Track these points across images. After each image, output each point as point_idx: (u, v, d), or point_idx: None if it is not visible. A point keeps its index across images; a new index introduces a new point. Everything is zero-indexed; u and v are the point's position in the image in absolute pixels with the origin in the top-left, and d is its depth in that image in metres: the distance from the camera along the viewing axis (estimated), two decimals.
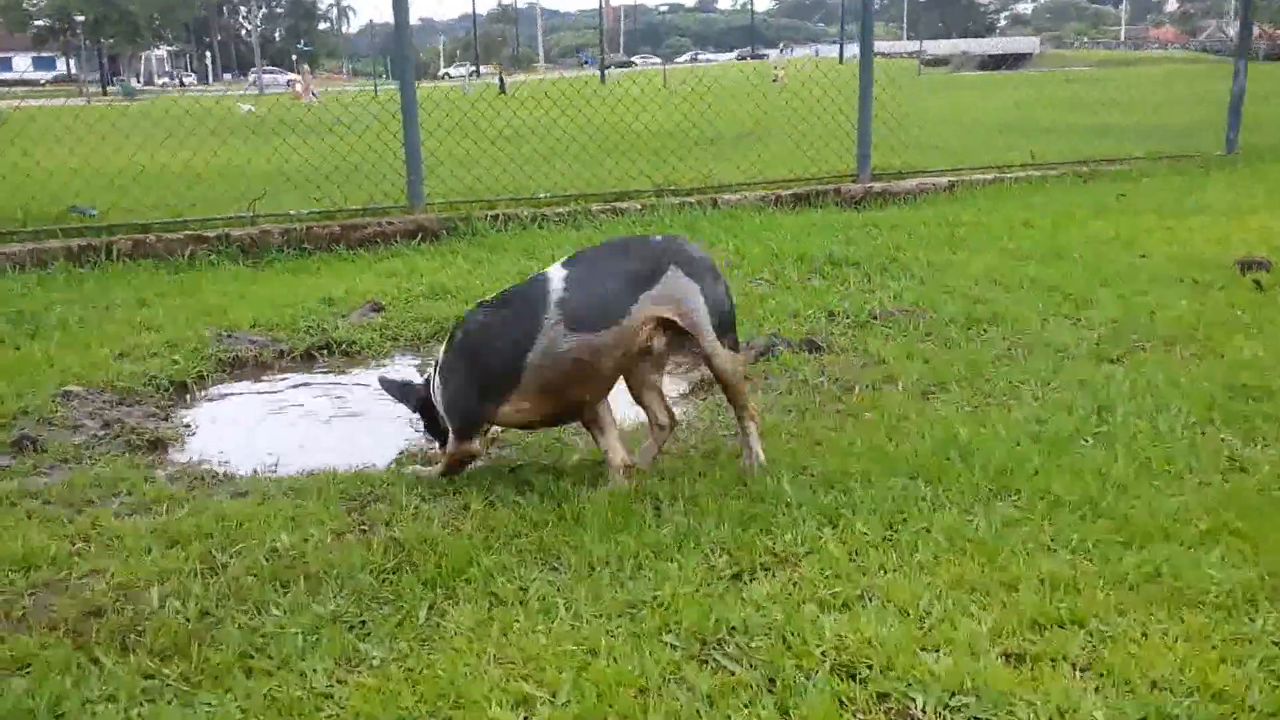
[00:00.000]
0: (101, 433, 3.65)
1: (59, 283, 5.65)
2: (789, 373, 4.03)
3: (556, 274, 2.82)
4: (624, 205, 7.91)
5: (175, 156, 8.23)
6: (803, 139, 9.12)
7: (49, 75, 55.07)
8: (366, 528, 2.75)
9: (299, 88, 29.75)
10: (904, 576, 2.36)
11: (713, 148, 10.74)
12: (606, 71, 39.77)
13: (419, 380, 3.18)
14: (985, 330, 4.47)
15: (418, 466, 3.20)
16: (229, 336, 4.81)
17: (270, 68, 58.90)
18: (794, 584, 2.36)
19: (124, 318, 5.03)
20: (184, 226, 6.56)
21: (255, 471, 3.27)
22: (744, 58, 59.57)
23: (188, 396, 4.18)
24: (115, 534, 2.69)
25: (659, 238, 3.01)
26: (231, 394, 4.27)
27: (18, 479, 3.11)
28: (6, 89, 29.64)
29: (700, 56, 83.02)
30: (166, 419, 3.87)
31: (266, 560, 2.53)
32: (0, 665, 2.07)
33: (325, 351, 4.77)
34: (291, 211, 7.04)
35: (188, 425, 3.85)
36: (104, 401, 3.96)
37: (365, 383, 4.38)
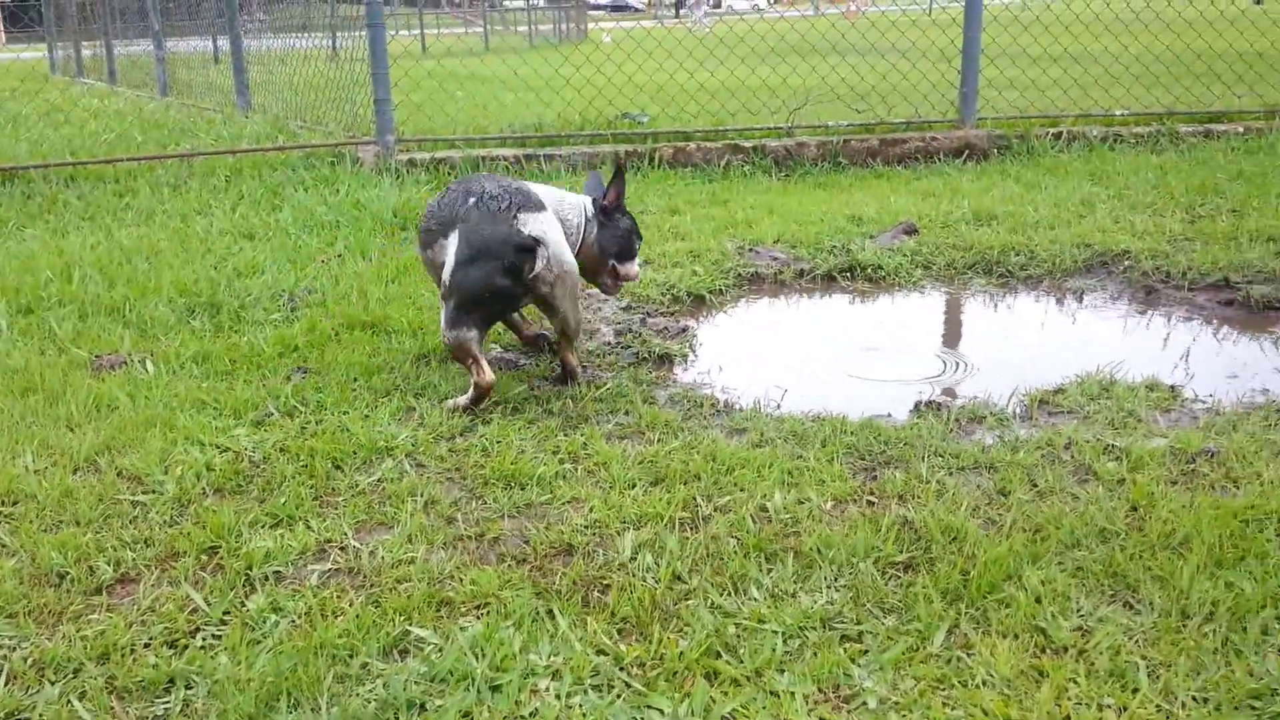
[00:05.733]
0: (614, 340, 3.51)
1: None
2: None
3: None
4: (1220, 128, 6.62)
5: (721, 70, 8.16)
6: None
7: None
8: (875, 500, 2.22)
9: (853, 7, 29.30)
10: None
11: None
12: None
13: None
14: None
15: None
16: (751, 251, 4.52)
17: None
18: None
19: (654, 224, 4.96)
20: (723, 136, 6.43)
21: (756, 404, 2.88)
22: None
23: (702, 311, 3.95)
24: (603, 459, 2.43)
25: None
26: (745, 313, 3.96)
27: (526, 383, 3.02)
28: (600, 12, 33.76)
29: None
30: (678, 333, 3.64)
31: (754, 521, 2.10)
32: (460, 600, 1.86)
33: (848, 275, 4.31)
34: (829, 123, 6.62)
35: (697, 341, 3.60)
36: (621, 308, 3.85)
37: (888, 312, 3.85)
